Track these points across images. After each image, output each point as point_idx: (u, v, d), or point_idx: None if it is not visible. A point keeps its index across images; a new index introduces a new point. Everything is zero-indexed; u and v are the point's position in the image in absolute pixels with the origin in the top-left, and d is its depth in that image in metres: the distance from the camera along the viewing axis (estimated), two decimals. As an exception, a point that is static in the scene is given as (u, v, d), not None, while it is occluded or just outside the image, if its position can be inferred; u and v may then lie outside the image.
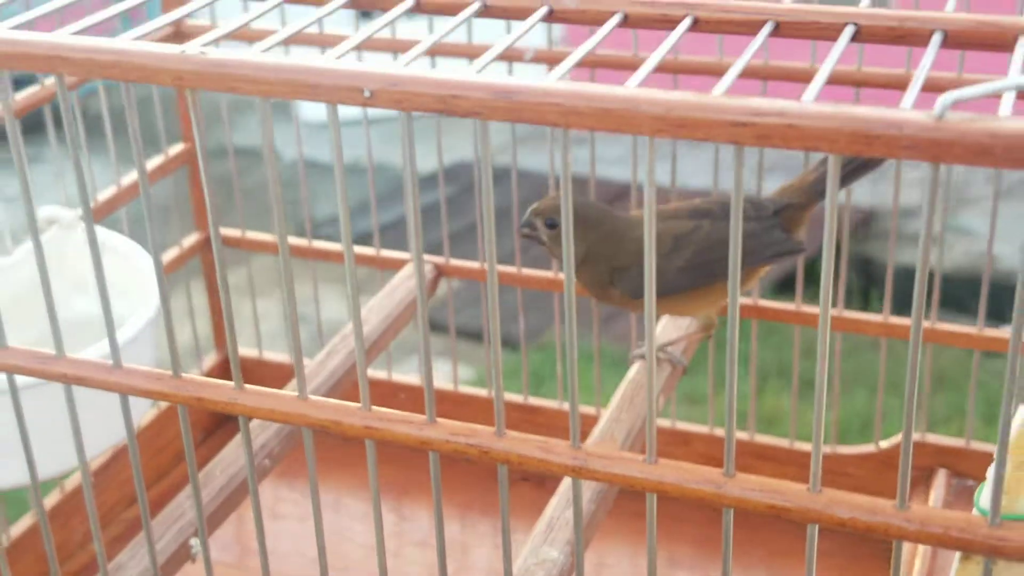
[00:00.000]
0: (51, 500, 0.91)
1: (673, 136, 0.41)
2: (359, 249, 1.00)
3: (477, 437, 0.49)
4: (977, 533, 0.42)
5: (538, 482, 0.99)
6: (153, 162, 0.98)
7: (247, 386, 0.53)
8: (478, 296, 2.39)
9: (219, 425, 1.09)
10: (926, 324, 0.84)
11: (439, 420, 0.50)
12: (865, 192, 2.64)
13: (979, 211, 2.70)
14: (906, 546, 0.80)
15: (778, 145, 0.40)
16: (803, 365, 0.91)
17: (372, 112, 0.93)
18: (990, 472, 0.44)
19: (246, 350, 1.07)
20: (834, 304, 0.88)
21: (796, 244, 0.77)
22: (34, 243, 0.54)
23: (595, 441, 0.71)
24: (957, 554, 0.47)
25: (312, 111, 3.26)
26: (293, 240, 1.02)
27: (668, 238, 0.78)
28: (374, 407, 0.51)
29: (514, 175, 0.94)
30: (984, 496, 0.46)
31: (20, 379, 0.59)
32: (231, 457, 0.78)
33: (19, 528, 0.89)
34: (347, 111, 0.98)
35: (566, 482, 0.73)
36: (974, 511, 0.43)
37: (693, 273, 0.77)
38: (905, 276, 0.82)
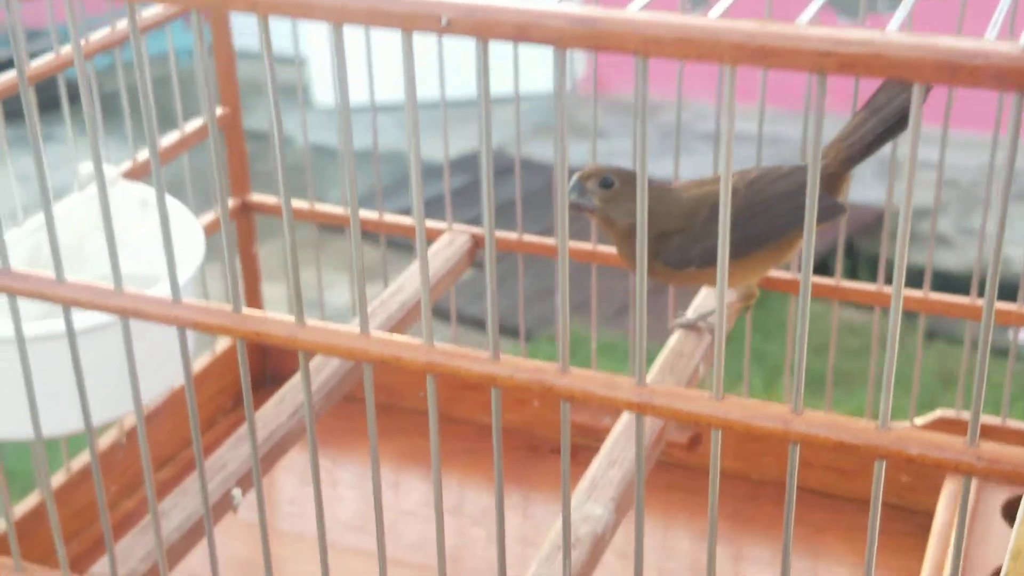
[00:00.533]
0: (83, 459, 0.92)
1: (754, 64, 0.41)
2: (396, 218, 1.00)
3: (542, 373, 0.49)
4: (1049, 470, 0.42)
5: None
6: (193, 124, 0.98)
7: (308, 321, 0.53)
8: (500, 281, 2.39)
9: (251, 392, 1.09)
10: (966, 300, 0.84)
11: (503, 356, 0.50)
12: (880, 192, 2.62)
13: (994, 213, 2.69)
14: (947, 495, 0.80)
15: (862, 74, 0.40)
16: (822, 358, 0.91)
17: (384, 99, 0.94)
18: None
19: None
20: (874, 280, 0.88)
21: (839, 205, 0.77)
22: (100, 195, 0.54)
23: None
24: (1025, 494, 0.47)
25: (324, 96, 3.21)
26: (327, 207, 1.03)
27: (706, 206, 0.77)
28: (436, 343, 0.51)
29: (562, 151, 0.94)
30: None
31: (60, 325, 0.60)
32: (271, 414, 0.78)
33: (52, 484, 0.89)
34: (360, 97, 0.99)
35: (608, 444, 0.74)
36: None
37: (733, 240, 0.77)
38: (918, 273, 0.83)
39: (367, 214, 1.01)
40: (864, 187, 2.61)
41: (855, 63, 0.40)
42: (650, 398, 0.47)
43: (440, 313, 2.18)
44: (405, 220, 0.99)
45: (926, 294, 0.85)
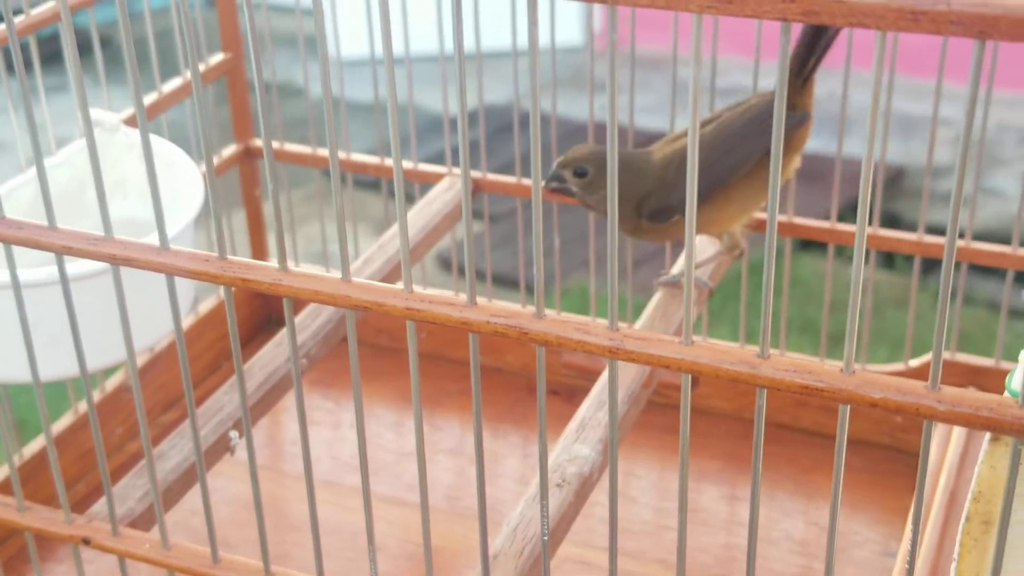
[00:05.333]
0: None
1: (720, 13, 0.42)
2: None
3: (516, 318, 0.50)
4: (1007, 414, 0.43)
5: (567, 396, 1.01)
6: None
7: (291, 268, 0.54)
8: (503, 240, 2.39)
9: (252, 337, 1.10)
10: (961, 243, 0.85)
11: (479, 302, 0.51)
12: (897, 149, 2.61)
13: (1010, 173, 2.67)
14: (938, 438, 0.81)
15: (825, 21, 0.40)
16: (831, 319, 0.91)
17: (398, 52, 0.94)
18: (1022, 356, 0.45)
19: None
20: (869, 223, 0.89)
21: (806, 114, 0.78)
22: (88, 142, 0.55)
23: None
24: (987, 436, 0.47)
25: (348, 48, 3.18)
26: (322, 151, 1.03)
27: (677, 157, 0.79)
28: (416, 289, 0.52)
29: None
30: (1016, 379, 0.46)
31: (68, 270, 0.61)
32: (269, 356, 0.80)
33: (59, 426, 0.91)
34: (380, 48, 0.99)
35: (598, 386, 0.75)
36: (1005, 394, 0.44)
37: (704, 178, 0.78)
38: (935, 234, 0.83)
39: (367, 158, 1.02)
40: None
41: (819, 10, 0.40)
42: (622, 343, 0.48)
43: (458, 266, 2.20)
44: (406, 164, 1.00)
45: (920, 237, 0.85)
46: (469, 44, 2.40)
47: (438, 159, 1.81)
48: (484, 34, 0.92)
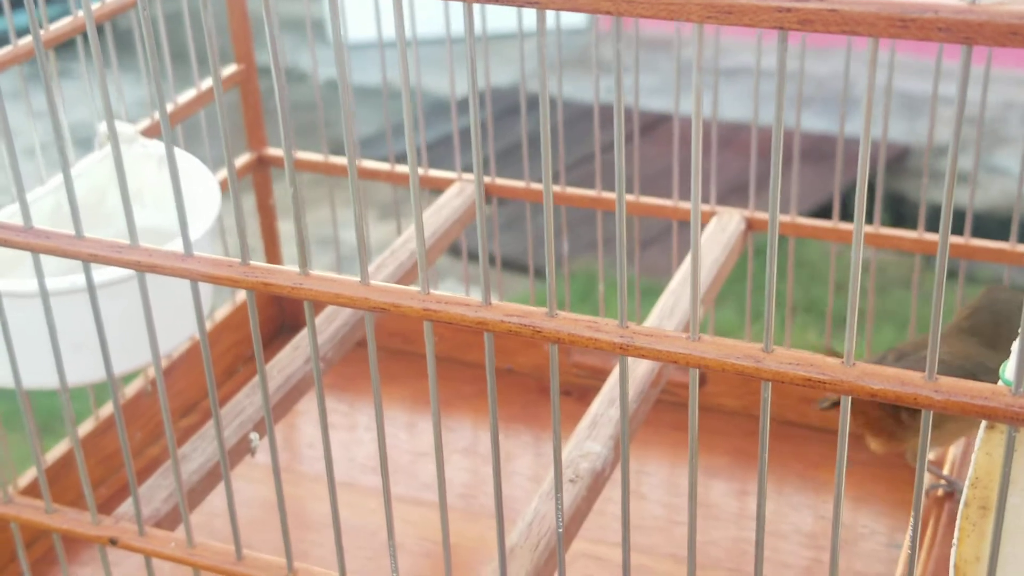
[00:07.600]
0: (111, 408, 0.95)
1: (720, 23, 0.44)
2: (404, 168, 1.02)
3: (530, 317, 0.52)
4: (1001, 402, 0.45)
5: (579, 396, 1.03)
6: (206, 83, 1.01)
7: (312, 272, 0.56)
8: (510, 222, 2.41)
9: (266, 344, 1.12)
10: (959, 240, 0.86)
11: (493, 303, 0.53)
12: (901, 129, 2.62)
13: (1015, 151, 2.68)
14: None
15: (819, 30, 0.42)
16: (835, 301, 0.93)
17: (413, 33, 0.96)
18: (1015, 346, 0.46)
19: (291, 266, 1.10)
20: (870, 222, 0.90)
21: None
22: (115, 155, 0.57)
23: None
24: (982, 424, 0.49)
25: (353, 31, 3.15)
26: (341, 160, 1.05)
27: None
28: (432, 291, 0.54)
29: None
30: (1009, 369, 0.48)
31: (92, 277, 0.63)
32: (287, 360, 0.82)
33: (80, 431, 0.93)
34: (388, 31, 1.00)
35: (609, 383, 0.77)
36: (999, 383, 0.46)
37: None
38: (938, 215, 0.84)
39: (379, 165, 1.04)
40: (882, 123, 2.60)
41: (813, 19, 0.42)
42: (631, 339, 0.50)
43: (469, 254, 2.21)
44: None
45: (920, 234, 0.87)
46: (493, 25, 2.42)
47: (444, 142, 1.83)
48: (488, 15, 0.93)
